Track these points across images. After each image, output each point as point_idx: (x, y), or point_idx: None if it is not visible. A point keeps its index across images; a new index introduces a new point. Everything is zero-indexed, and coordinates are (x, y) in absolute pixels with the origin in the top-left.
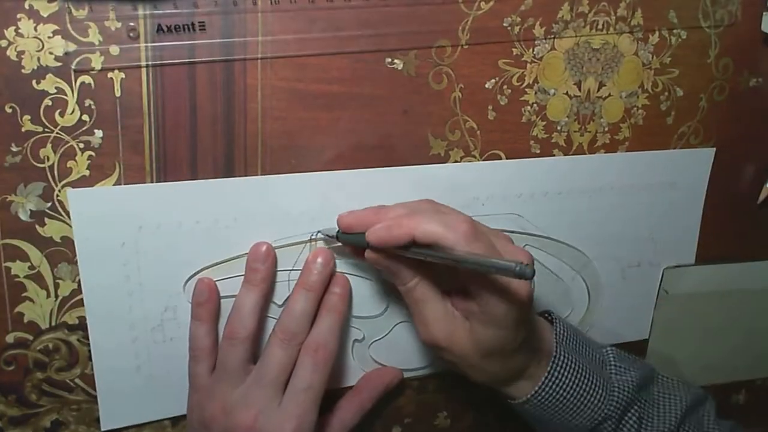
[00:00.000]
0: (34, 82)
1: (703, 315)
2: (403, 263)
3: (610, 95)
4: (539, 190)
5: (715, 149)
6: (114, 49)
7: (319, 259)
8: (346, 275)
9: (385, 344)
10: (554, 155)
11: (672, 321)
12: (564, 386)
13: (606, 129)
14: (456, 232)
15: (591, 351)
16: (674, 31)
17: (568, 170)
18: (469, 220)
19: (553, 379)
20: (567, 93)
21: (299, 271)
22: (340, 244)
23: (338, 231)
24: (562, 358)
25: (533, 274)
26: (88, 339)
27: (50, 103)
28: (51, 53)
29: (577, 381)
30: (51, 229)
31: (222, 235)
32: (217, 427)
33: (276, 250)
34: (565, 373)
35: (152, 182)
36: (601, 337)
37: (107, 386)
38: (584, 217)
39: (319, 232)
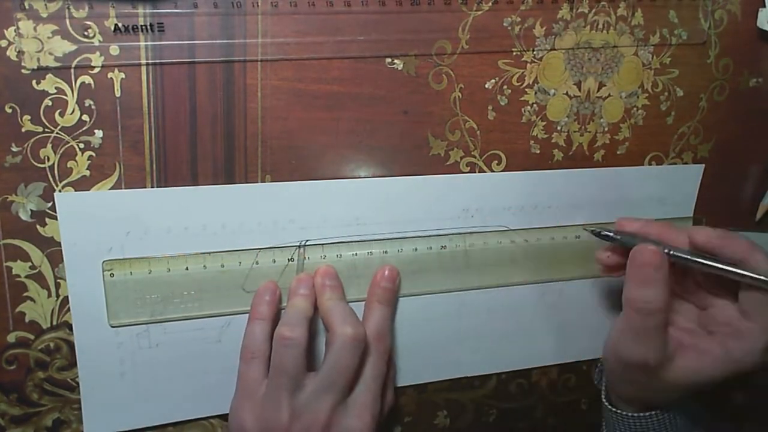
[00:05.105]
0: (34, 82)
1: None
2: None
3: (610, 95)
4: (529, 203)
5: (703, 166)
6: (114, 49)
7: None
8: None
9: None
10: (554, 155)
11: None
12: None
13: (606, 129)
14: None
15: None
16: (674, 31)
17: (558, 184)
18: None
19: None
20: (567, 93)
21: (287, 285)
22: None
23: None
24: None
25: None
26: None
27: (50, 103)
28: (51, 53)
29: None
30: (52, 229)
31: (210, 241)
32: None
33: (263, 256)
34: None
35: (152, 183)
36: (585, 352)
37: (91, 392)
38: None
39: (307, 241)
